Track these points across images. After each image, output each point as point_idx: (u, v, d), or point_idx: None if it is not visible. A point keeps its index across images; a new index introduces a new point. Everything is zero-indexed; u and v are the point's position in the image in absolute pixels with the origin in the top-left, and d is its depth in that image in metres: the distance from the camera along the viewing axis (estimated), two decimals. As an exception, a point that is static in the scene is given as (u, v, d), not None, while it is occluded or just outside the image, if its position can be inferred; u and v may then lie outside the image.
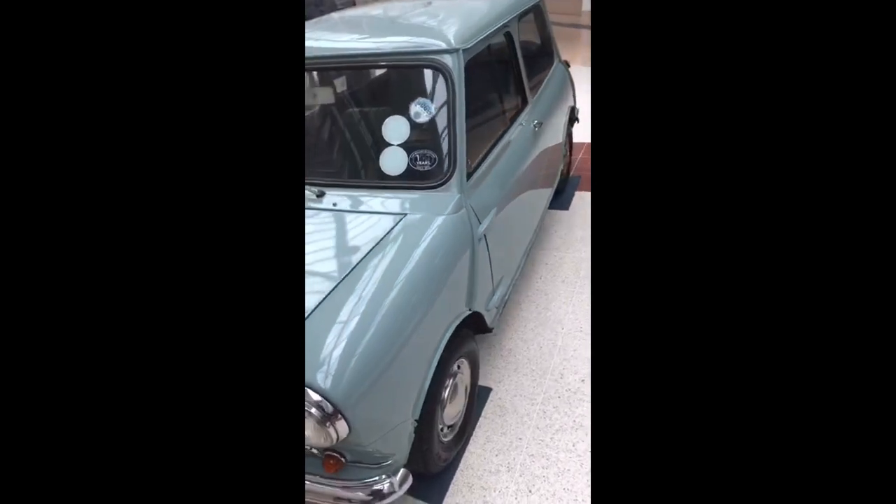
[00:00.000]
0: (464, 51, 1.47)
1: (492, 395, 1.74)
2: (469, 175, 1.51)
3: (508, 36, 1.91)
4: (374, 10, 2.10)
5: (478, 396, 1.69)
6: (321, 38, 1.63)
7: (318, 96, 1.68)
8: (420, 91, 1.53)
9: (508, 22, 1.88)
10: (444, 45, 1.45)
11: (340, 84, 1.71)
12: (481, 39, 1.60)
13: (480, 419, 1.65)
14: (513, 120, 1.90)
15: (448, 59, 1.45)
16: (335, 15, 2.18)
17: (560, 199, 2.87)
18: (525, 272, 2.32)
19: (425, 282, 1.26)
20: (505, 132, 1.80)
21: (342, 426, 1.00)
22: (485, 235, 1.52)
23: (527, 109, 2.03)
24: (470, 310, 1.46)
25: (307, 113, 1.73)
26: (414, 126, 1.47)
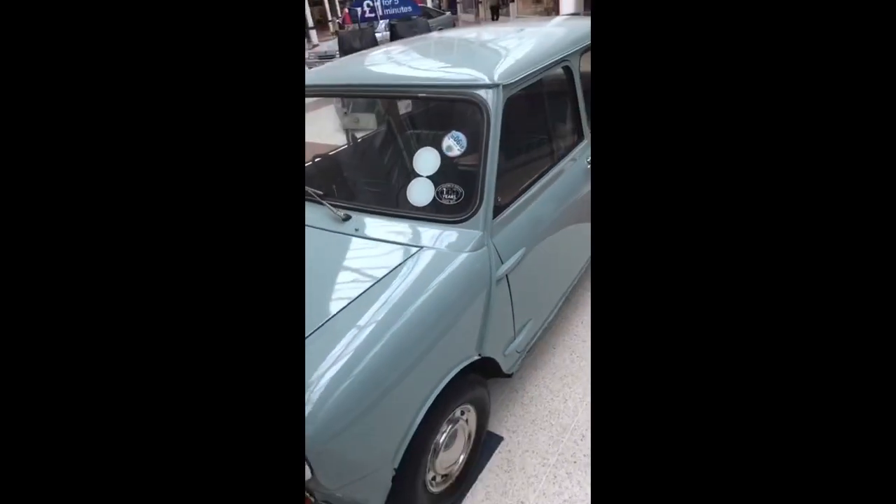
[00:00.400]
0: (505, 86, 1.42)
1: (502, 445, 1.63)
2: (498, 212, 1.44)
3: (568, 70, 1.82)
4: (450, 36, 2.11)
5: (485, 444, 1.60)
6: (371, 64, 1.66)
7: (360, 121, 1.71)
8: (457, 124, 1.50)
9: (569, 56, 1.79)
10: (484, 80, 1.41)
11: (386, 111, 1.73)
12: (529, 74, 1.54)
13: (484, 471, 1.56)
14: (564, 155, 1.80)
15: (487, 95, 1.40)
16: (406, 40, 2.23)
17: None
18: (566, 313, 2.18)
19: (430, 321, 1.20)
20: (551, 167, 1.71)
21: (304, 469, 0.97)
22: (507, 277, 1.44)
23: (582, 144, 1.92)
24: (479, 355, 1.38)
25: (348, 139, 1.77)
26: (445, 159, 1.44)
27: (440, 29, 11.04)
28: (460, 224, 1.38)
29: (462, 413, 1.43)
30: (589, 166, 1.89)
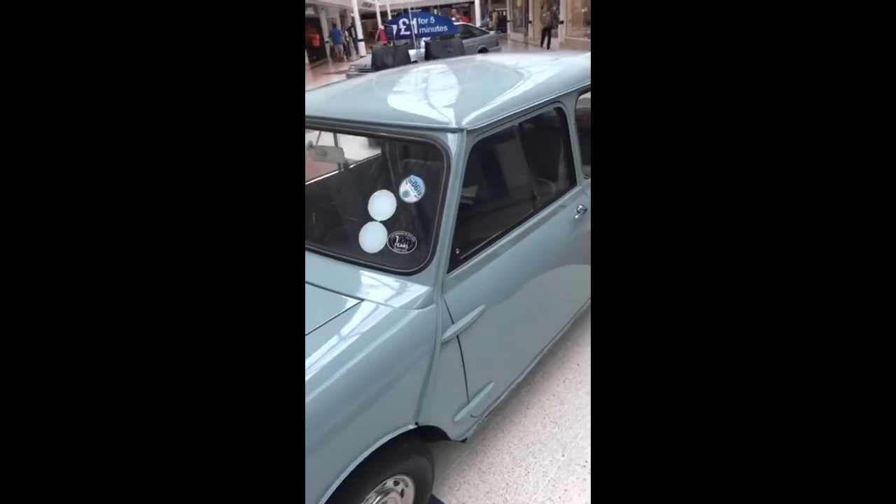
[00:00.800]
0: (470, 132, 1.30)
1: (447, 518, 1.49)
2: (456, 265, 1.32)
3: (560, 111, 1.69)
4: (451, 65, 2.02)
5: (428, 516, 1.46)
6: (347, 95, 1.58)
7: (327, 155, 1.63)
8: (419, 168, 1.40)
9: (562, 97, 1.66)
10: (448, 124, 1.30)
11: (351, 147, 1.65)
12: (506, 118, 1.42)
13: (421, 546, 1.42)
14: (548, 203, 1.66)
15: (448, 139, 1.29)
16: (405, 69, 2.16)
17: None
18: (548, 368, 2.02)
19: (358, 386, 1.09)
20: (530, 216, 1.58)
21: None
22: (458, 338, 1.31)
23: (574, 191, 1.78)
24: (417, 424, 1.26)
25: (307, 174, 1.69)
26: (401, 205, 1.34)
27: (483, 48, 11.04)
28: (409, 276, 1.26)
29: (396, 483, 1.31)
30: (577, 216, 1.74)
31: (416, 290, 1.24)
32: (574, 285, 1.84)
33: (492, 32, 11.91)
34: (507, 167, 1.67)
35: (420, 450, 1.33)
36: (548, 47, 13.61)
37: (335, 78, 11.50)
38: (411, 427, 1.24)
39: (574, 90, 1.73)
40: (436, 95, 1.56)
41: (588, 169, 1.90)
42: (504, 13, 23.47)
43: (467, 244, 1.39)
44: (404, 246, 1.31)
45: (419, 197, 1.32)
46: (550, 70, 1.82)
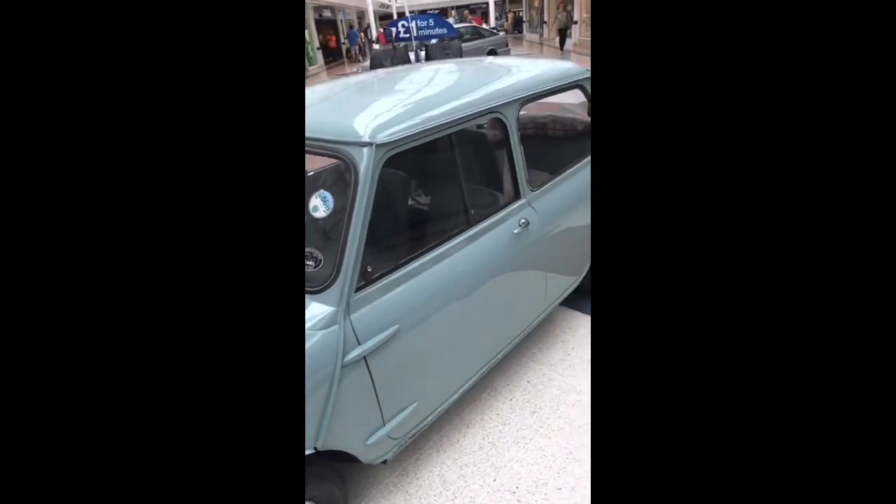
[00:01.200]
0: (380, 146, 1.25)
1: (363, 542, 1.44)
2: (367, 284, 1.27)
3: (501, 122, 1.63)
4: (405, 72, 1.98)
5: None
6: None
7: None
8: (333, 182, 1.35)
9: (500, 107, 1.60)
10: (356, 137, 1.26)
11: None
12: (425, 130, 1.36)
13: (330, 572, 1.37)
14: (483, 217, 1.60)
15: (357, 154, 1.25)
16: (378, 72, 2.12)
17: (583, 300, 2.39)
18: (497, 385, 1.95)
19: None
20: (459, 232, 1.52)
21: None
22: (365, 359, 1.27)
23: (516, 205, 1.71)
24: (316, 448, 1.21)
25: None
26: (310, 220, 1.29)
27: (491, 50, 10.95)
28: (312, 295, 1.22)
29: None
30: (517, 230, 1.67)
31: (317, 309, 1.20)
32: (518, 301, 1.77)
33: (501, 34, 11.80)
34: (435, 181, 1.62)
35: (324, 475, 1.29)
36: (562, 48, 13.45)
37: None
38: (310, 453, 1.20)
39: (516, 100, 1.66)
40: (367, 106, 1.52)
41: (539, 178, 1.84)
42: (520, 14, 23.28)
43: (383, 262, 1.34)
44: (310, 263, 1.27)
45: (328, 212, 1.28)
46: (498, 78, 1.76)
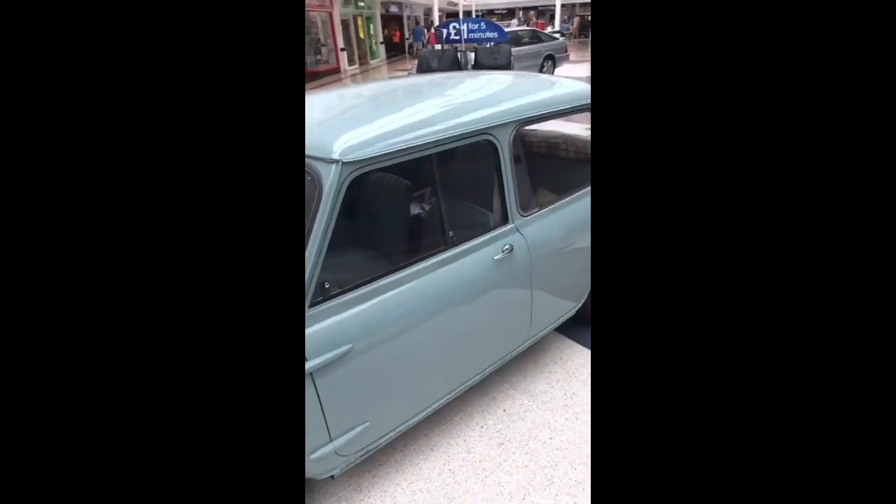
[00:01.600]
0: (346, 164, 1.24)
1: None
2: (322, 300, 1.27)
3: (491, 144, 1.58)
4: (418, 84, 1.96)
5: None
6: None
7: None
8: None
9: (491, 129, 1.55)
10: (326, 154, 1.25)
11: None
12: (394, 152, 1.33)
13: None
14: (463, 241, 1.56)
15: (323, 170, 1.24)
16: (373, 85, 2.12)
17: (581, 328, 2.29)
18: (471, 411, 1.91)
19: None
20: (430, 255, 1.49)
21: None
22: (311, 375, 1.26)
23: (502, 230, 1.66)
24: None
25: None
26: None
27: (549, 55, 10.73)
28: (265, 307, 1.23)
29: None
30: (500, 257, 1.62)
31: (266, 322, 1.21)
32: (496, 329, 1.72)
33: (561, 38, 11.51)
34: (413, 201, 1.59)
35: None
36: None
37: (400, 74, 11.73)
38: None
39: (511, 122, 1.61)
40: (351, 121, 1.51)
41: (537, 201, 1.77)
42: (587, 18, 22.69)
43: (344, 279, 1.33)
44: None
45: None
46: (497, 98, 1.71)
